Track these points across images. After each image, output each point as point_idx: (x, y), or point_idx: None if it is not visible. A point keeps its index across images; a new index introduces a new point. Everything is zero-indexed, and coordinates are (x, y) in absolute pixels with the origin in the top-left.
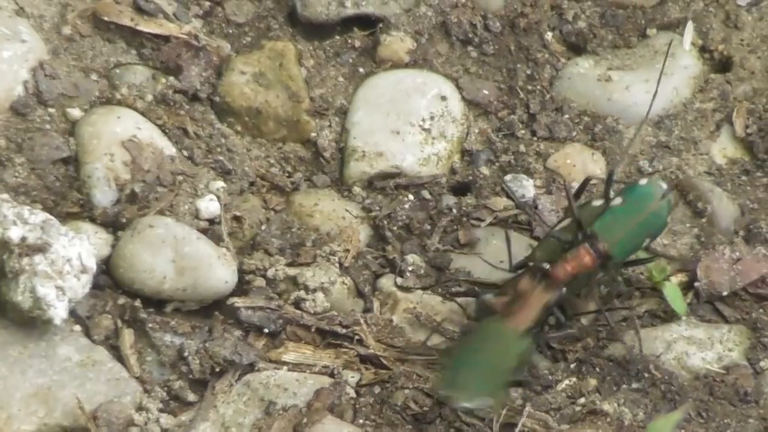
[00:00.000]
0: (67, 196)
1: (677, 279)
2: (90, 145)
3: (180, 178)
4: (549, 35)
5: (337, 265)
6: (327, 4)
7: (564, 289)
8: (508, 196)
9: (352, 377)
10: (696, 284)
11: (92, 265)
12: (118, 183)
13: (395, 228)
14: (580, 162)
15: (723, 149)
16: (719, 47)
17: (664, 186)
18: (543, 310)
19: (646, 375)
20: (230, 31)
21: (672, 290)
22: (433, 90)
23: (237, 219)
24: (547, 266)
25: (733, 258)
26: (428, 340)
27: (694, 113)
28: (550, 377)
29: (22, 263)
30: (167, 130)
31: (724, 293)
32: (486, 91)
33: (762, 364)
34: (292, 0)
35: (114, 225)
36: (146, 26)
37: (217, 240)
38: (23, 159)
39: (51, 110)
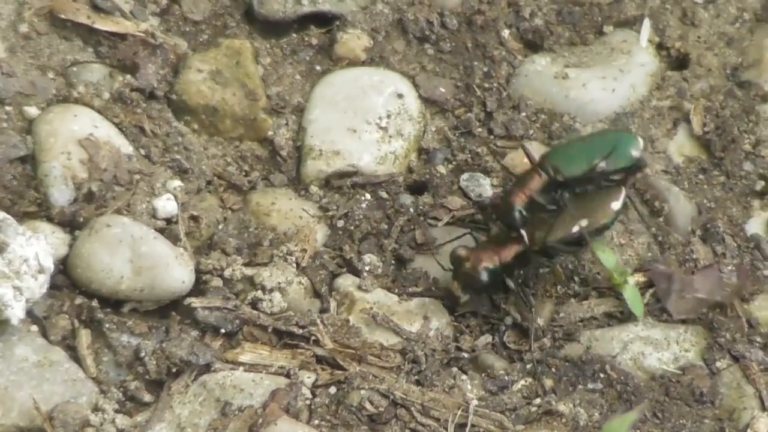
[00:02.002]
0: (24, 195)
1: (635, 279)
2: (47, 144)
3: (137, 176)
4: (506, 32)
5: (294, 264)
6: (284, 1)
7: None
8: (464, 195)
9: (308, 378)
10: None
11: (49, 264)
12: (75, 182)
13: (352, 227)
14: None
15: (680, 147)
16: (676, 44)
17: (632, 129)
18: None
19: (602, 375)
20: (187, 29)
21: (631, 292)
22: (389, 88)
23: (194, 218)
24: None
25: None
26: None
27: (651, 111)
28: (506, 378)
29: None
30: (124, 129)
31: None
32: (443, 89)
33: (718, 364)
34: None
35: (71, 224)
36: (103, 24)
37: (175, 239)
38: None
39: (8, 108)
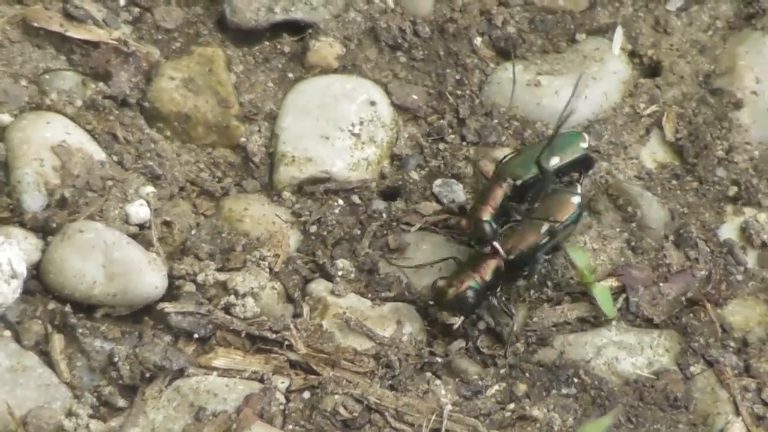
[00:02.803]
0: None
1: (608, 283)
2: (20, 151)
3: (110, 183)
4: (478, 40)
5: (267, 270)
6: (256, 9)
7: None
8: (438, 201)
9: (281, 383)
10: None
11: (22, 270)
12: (48, 188)
13: (325, 233)
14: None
15: (653, 154)
16: (649, 52)
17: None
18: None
19: (576, 380)
20: (159, 37)
21: (601, 292)
22: (362, 95)
23: (167, 224)
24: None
25: None
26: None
27: (623, 118)
28: (480, 383)
29: None
30: (97, 136)
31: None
32: (415, 96)
33: (692, 369)
34: (222, 6)
35: (44, 230)
36: (76, 32)
37: (147, 245)
38: None
39: None
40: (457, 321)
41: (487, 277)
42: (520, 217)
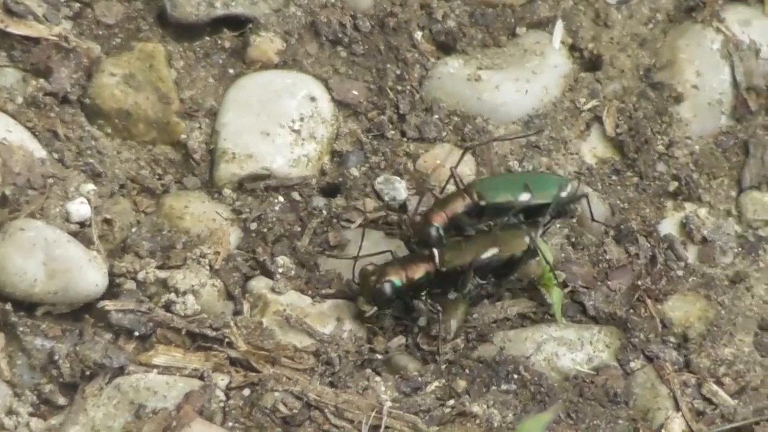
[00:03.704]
0: None
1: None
2: None
3: (50, 180)
4: (418, 34)
5: (208, 267)
6: (196, 4)
7: (438, 229)
8: (379, 197)
9: (221, 380)
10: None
11: None
12: None
13: (265, 230)
14: (449, 162)
15: (593, 149)
16: (589, 46)
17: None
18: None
19: (516, 376)
20: (100, 33)
21: (557, 295)
22: (302, 91)
23: (107, 222)
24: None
25: None
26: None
27: (564, 112)
28: (419, 379)
29: None
30: (37, 133)
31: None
32: (355, 92)
33: (632, 364)
34: (162, 1)
35: None
36: (16, 28)
37: (88, 243)
38: None
39: None
40: (369, 310)
41: (414, 277)
42: (469, 234)
